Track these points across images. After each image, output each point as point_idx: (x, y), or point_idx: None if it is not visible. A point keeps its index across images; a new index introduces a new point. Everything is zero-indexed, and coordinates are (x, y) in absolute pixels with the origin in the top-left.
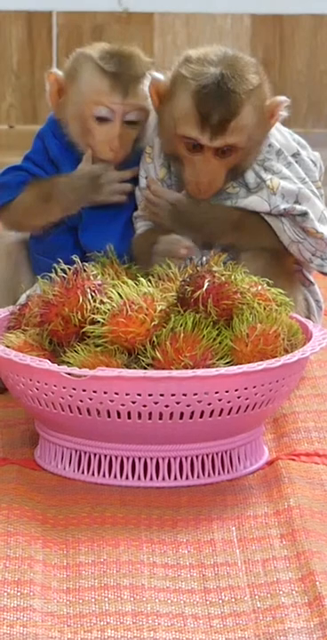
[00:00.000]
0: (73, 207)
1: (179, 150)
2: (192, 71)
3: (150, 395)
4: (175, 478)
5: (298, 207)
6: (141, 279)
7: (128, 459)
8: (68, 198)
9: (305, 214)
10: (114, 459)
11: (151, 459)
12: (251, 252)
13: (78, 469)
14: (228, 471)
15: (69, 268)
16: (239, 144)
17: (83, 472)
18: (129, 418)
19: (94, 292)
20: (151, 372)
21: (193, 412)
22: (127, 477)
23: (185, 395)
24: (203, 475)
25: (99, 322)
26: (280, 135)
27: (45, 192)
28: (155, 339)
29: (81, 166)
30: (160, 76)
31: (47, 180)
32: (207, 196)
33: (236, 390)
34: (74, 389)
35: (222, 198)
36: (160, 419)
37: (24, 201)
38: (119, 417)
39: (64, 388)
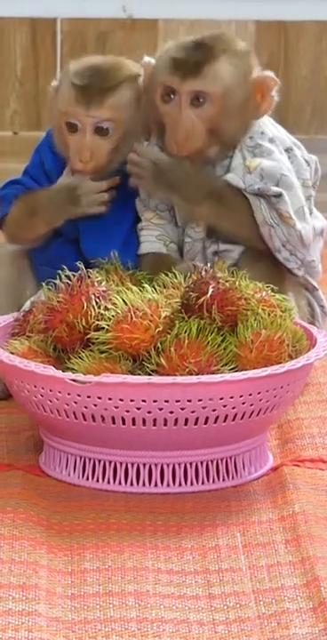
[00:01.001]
0: (55, 221)
1: (159, 109)
2: (177, 40)
3: (155, 401)
4: (180, 484)
5: (273, 188)
6: (146, 285)
7: (133, 465)
8: (49, 212)
9: (279, 195)
10: (118, 465)
11: (156, 465)
12: (252, 257)
13: (83, 476)
14: (233, 477)
15: (74, 275)
16: (212, 93)
17: (87, 478)
18: (133, 424)
19: (99, 298)
20: (156, 379)
21: (197, 419)
22: (132, 484)
23: (189, 401)
24: (208, 481)
25: (103, 328)
26: (275, 129)
27: (30, 206)
28: (159, 345)
29: (60, 179)
30: (152, 60)
31: (32, 193)
32: (186, 151)
33: (241, 396)
34: (78, 396)
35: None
36: (165, 425)
37: (13, 215)
38: (124, 423)
39: (69, 394)
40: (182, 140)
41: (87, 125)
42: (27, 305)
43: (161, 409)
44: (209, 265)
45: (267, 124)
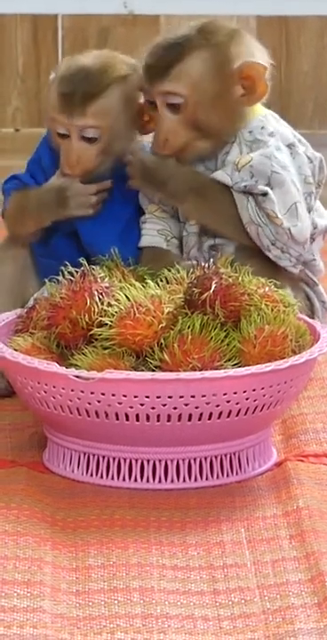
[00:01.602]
0: (43, 220)
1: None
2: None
3: (158, 397)
4: (184, 480)
5: (260, 186)
6: (149, 281)
7: (136, 461)
8: (38, 212)
9: (265, 194)
10: (122, 461)
11: (160, 461)
12: (246, 252)
13: (87, 472)
14: (237, 473)
15: (76, 271)
16: (183, 93)
17: (91, 475)
18: (137, 420)
19: (102, 294)
20: (159, 375)
21: (201, 414)
22: (136, 480)
23: (193, 396)
24: (212, 476)
25: (106, 324)
26: (278, 124)
27: (21, 204)
28: (162, 341)
29: (51, 179)
30: None
31: (24, 191)
32: (168, 150)
33: (245, 392)
34: (82, 392)
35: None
36: (168, 421)
37: (8, 211)
38: (127, 419)
39: (72, 390)
40: (162, 141)
41: (73, 132)
42: (30, 302)
43: (164, 405)
44: (208, 260)
45: (270, 120)
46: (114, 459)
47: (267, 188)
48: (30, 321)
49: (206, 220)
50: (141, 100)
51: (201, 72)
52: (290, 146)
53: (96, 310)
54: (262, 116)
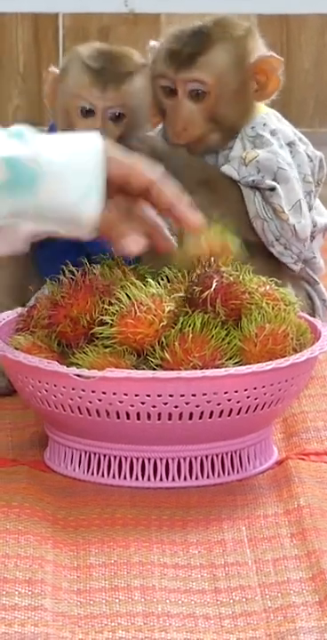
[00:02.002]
0: None
1: (160, 101)
2: (179, 26)
3: (159, 395)
4: (185, 479)
5: (267, 181)
6: (150, 280)
7: (138, 459)
8: None
9: (273, 189)
10: (123, 460)
11: (161, 459)
12: (250, 249)
13: (88, 471)
14: (238, 471)
15: (77, 270)
16: (208, 82)
17: (92, 473)
18: (138, 419)
19: (102, 293)
20: (160, 373)
21: (202, 413)
22: (137, 478)
23: (194, 395)
24: (213, 475)
25: (107, 323)
26: (279, 123)
27: None
28: (163, 339)
29: None
30: (157, 44)
31: None
32: (183, 140)
33: (246, 390)
34: (83, 391)
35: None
36: (169, 419)
37: None
38: (128, 418)
39: (73, 389)
40: (180, 130)
41: (99, 109)
42: (31, 301)
43: (165, 403)
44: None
45: (272, 117)
46: (115, 457)
47: (275, 183)
48: (31, 319)
49: (213, 213)
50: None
51: (226, 63)
52: (290, 144)
53: (97, 309)
54: (264, 113)
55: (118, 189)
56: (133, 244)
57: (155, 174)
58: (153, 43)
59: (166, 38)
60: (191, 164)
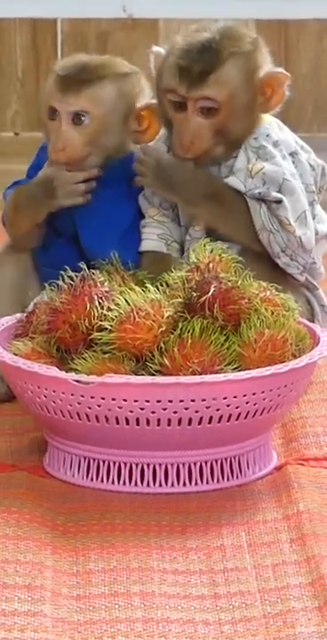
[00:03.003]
0: (36, 215)
1: (167, 113)
2: (185, 35)
3: (158, 401)
4: (184, 484)
5: (274, 194)
6: (149, 285)
7: (137, 465)
8: (29, 206)
9: (280, 202)
10: (123, 465)
11: (160, 465)
12: (251, 256)
13: (87, 476)
14: (237, 476)
15: (76, 276)
16: (219, 99)
17: (92, 479)
18: (137, 424)
19: (101, 298)
20: (159, 379)
21: (201, 418)
22: (136, 484)
23: (193, 401)
24: (212, 480)
25: (106, 329)
26: (281, 133)
27: (14, 203)
28: (162, 345)
29: (41, 171)
30: (161, 50)
31: (17, 188)
32: (191, 154)
33: (245, 396)
34: (82, 396)
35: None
36: (168, 425)
37: (5, 213)
38: (127, 423)
39: (72, 395)
40: (188, 144)
41: (63, 113)
42: (30, 306)
43: (164, 409)
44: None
45: (274, 127)
46: (114, 463)
47: (281, 196)
48: (30, 325)
49: (219, 226)
50: (140, 104)
51: (237, 80)
52: (292, 154)
53: (96, 314)
54: (268, 123)
55: None
56: None
57: None
58: (156, 48)
59: (174, 52)
60: (197, 178)
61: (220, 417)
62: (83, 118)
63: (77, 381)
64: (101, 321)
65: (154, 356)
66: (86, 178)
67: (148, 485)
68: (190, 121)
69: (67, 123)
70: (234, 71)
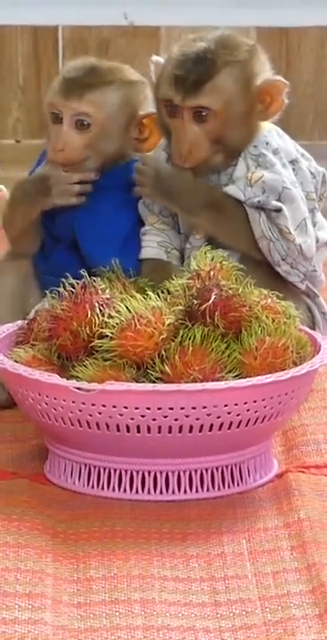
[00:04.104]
0: (29, 212)
1: (165, 122)
2: (182, 44)
3: (159, 408)
4: (185, 492)
5: (273, 202)
6: (149, 293)
7: (138, 472)
8: (23, 202)
9: (279, 210)
10: (123, 472)
11: (161, 472)
12: (252, 263)
13: (88, 484)
14: (238, 484)
15: (77, 283)
16: (214, 107)
17: (92, 486)
18: (138, 432)
19: (102, 306)
20: (160, 386)
21: (202, 426)
22: (137, 491)
23: (194, 408)
24: (213, 488)
25: (107, 336)
26: (281, 140)
27: (10, 198)
28: (163, 352)
29: (37, 170)
30: (161, 59)
31: (14, 185)
32: (189, 163)
33: (245, 403)
34: (83, 404)
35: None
36: (169, 432)
37: (4, 215)
38: (128, 431)
39: (73, 402)
40: (186, 153)
41: (66, 116)
42: (31, 313)
43: (165, 416)
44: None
45: (274, 135)
46: (115, 470)
47: (281, 204)
48: (31, 332)
49: (219, 234)
50: (142, 112)
51: (232, 89)
52: (293, 162)
53: (97, 322)
54: (267, 131)
55: None
56: None
57: None
58: (156, 58)
59: (171, 62)
60: (196, 187)
61: (221, 424)
62: (85, 123)
63: (78, 389)
64: (102, 328)
65: (155, 363)
66: (82, 180)
67: (149, 493)
68: (187, 130)
69: (69, 125)
70: (229, 80)
